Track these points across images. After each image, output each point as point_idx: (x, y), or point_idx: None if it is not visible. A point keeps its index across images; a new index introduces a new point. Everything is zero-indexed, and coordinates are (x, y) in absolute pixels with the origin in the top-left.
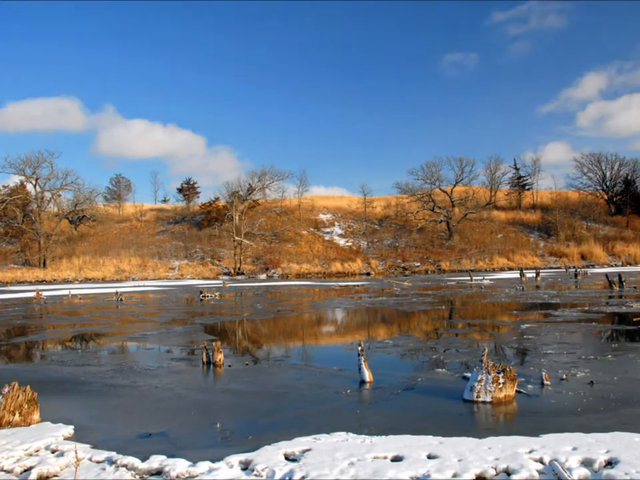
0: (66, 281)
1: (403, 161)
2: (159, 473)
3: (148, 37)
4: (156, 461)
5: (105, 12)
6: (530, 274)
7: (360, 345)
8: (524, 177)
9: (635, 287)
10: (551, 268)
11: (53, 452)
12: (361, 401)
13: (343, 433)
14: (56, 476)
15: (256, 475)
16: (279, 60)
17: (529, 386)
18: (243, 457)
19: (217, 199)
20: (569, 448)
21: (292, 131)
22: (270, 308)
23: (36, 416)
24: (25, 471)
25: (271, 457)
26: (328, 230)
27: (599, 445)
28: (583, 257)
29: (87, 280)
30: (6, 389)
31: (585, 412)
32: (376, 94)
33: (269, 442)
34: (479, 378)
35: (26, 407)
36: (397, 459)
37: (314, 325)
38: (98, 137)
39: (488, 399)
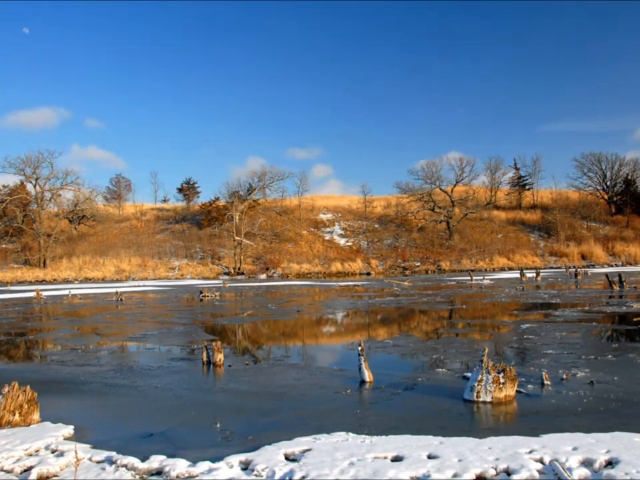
0: (66, 281)
1: (403, 161)
2: (159, 472)
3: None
4: (156, 461)
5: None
6: (530, 274)
7: (360, 344)
8: (524, 176)
9: (635, 287)
10: (551, 268)
11: (53, 452)
12: (361, 401)
13: (343, 433)
14: (56, 476)
15: (256, 475)
16: (278, 59)
17: (529, 386)
18: (243, 456)
19: (217, 198)
20: (569, 448)
21: (293, 130)
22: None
23: (36, 416)
24: (25, 470)
25: (271, 456)
26: (328, 230)
27: (599, 445)
28: (583, 257)
29: (87, 280)
30: (6, 389)
31: (585, 412)
32: (376, 93)
33: (269, 442)
34: (479, 378)
35: (26, 406)
36: (397, 459)
37: (314, 325)
38: None
39: (488, 398)
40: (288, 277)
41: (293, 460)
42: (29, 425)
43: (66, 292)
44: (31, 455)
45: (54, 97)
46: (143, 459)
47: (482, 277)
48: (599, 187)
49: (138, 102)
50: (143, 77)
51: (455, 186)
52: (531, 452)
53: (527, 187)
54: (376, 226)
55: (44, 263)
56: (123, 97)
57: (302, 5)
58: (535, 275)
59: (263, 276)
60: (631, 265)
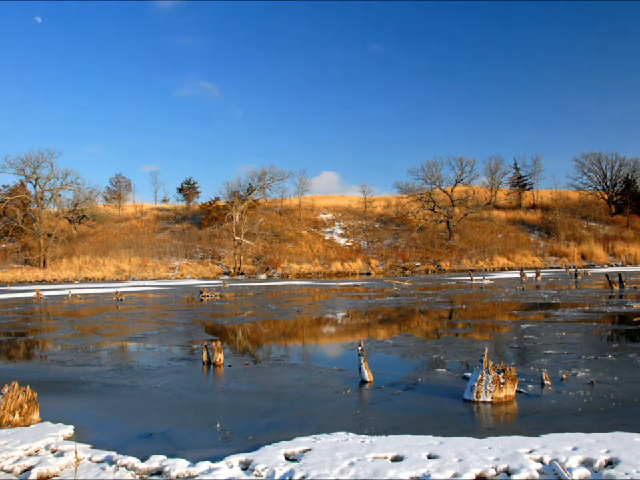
0: (66, 281)
1: (403, 161)
2: (159, 472)
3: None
4: (156, 461)
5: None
6: (530, 274)
7: (360, 344)
8: (524, 176)
9: (635, 287)
10: (551, 268)
11: (53, 452)
12: (361, 401)
13: (343, 433)
14: (56, 476)
15: (256, 475)
16: (279, 60)
17: (529, 386)
18: (242, 456)
19: (217, 198)
20: (569, 448)
21: (292, 130)
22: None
23: (36, 416)
24: (25, 470)
25: (271, 456)
26: (328, 230)
27: (599, 444)
28: (583, 257)
29: (87, 280)
30: (6, 389)
31: (585, 412)
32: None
33: (269, 442)
34: (479, 378)
35: (26, 407)
36: (397, 458)
37: (314, 325)
38: None
39: (488, 398)
40: (288, 277)
41: (293, 460)
42: (29, 425)
43: (66, 292)
44: (30, 455)
45: (53, 93)
46: (143, 459)
47: (482, 277)
48: (599, 187)
49: (139, 101)
50: (143, 77)
51: (455, 186)
52: (530, 452)
53: (527, 187)
54: (376, 226)
55: (44, 262)
56: (122, 95)
57: (303, 5)
58: (534, 274)
59: (263, 276)
60: (631, 264)
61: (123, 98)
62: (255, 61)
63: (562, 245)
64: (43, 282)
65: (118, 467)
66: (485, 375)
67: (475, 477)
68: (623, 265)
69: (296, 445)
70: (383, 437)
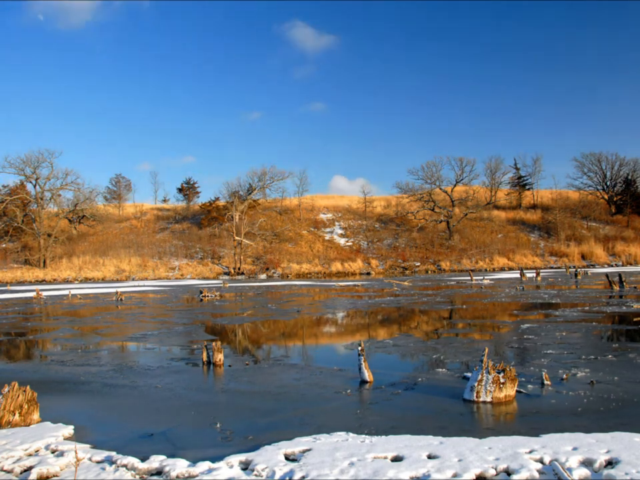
0: (66, 281)
1: (403, 161)
2: (158, 472)
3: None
4: (156, 461)
5: None
6: (530, 274)
7: (360, 344)
8: (524, 176)
9: (635, 287)
10: (551, 268)
11: (53, 452)
12: (361, 401)
13: (343, 433)
14: (56, 476)
15: (256, 475)
16: (280, 59)
17: (529, 386)
18: (243, 456)
19: (217, 198)
20: (569, 448)
21: (292, 130)
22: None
23: (36, 416)
24: (25, 470)
25: (271, 456)
26: (328, 230)
27: (599, 445)
28: (583, 257)
29: (87, 280)
30: (6, 389)
31: (585, 412)
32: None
33: (269, 442)
34: (479, 378)
35: (26, 407)
36: (397, 459)
37: (314, 325)
38: None
39: (488, 398)
40: (288, 276)
41: (293, 460)
42: (29, 425)
43: (66, 292)
44: (30, 455)
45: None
46: (143, 459)
47: (482, 277)
48: (599, 187)
49: (139, 101)
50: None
51: (455, 186)
52: (530, 452)
53: (527, 187)
54: (376, 226)
55: (44, 262)
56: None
57: (304, 5)
58: (534, 274)
59: (263, 276)
60: (631, 264)
61: (124, 97)
62: (255, 61)
63: (562, 245)
64: (43, 282)
65: (118, 466)
66: (484, 374)
67: (474, 477)
68: (623, 265)
69: (296, 445)
70: (383, 437)
